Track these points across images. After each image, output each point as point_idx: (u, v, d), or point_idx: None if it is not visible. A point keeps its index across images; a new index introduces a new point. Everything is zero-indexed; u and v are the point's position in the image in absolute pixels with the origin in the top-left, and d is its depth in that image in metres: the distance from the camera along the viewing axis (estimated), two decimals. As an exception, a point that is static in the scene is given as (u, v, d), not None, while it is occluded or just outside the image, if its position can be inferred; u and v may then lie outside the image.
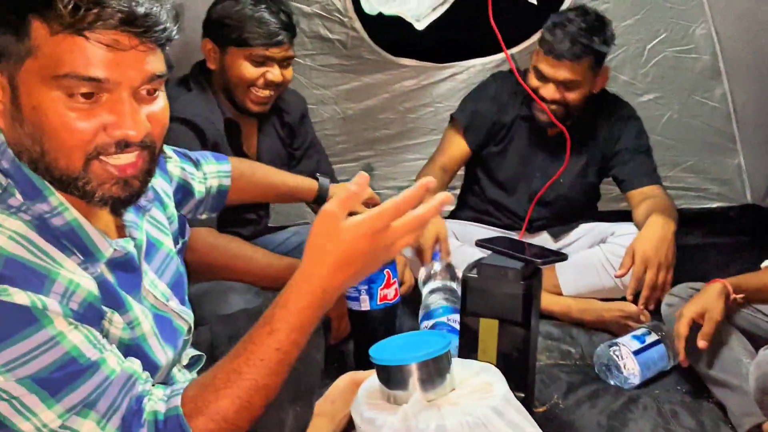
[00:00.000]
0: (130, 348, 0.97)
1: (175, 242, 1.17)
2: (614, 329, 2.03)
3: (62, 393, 0.83)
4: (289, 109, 2.06)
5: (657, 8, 2.52)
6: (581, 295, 2.11)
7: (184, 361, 1.20)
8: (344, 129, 2.74)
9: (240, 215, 1.99)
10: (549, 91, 2.06)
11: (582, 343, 1.99)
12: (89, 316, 0.88)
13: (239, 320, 1.48)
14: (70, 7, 0.81)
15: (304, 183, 1.73)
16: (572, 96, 2.06)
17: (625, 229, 2.12)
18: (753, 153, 2.77)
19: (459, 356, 1.44)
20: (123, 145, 0.87)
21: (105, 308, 0.92)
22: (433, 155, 2.27)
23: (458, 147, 2.24)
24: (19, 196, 0.87)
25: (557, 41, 2.00)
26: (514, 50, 2.47)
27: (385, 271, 1.62)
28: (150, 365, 0.99)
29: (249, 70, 1.80)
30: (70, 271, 0.87)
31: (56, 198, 0.89)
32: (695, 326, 1.60)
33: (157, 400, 0.90)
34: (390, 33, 2.49)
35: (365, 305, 1.64)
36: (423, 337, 1.22)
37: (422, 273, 1.89)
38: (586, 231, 2.27)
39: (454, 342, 1.44)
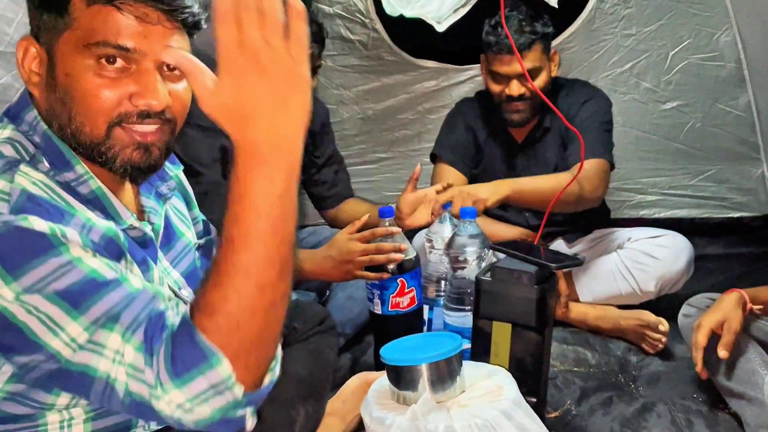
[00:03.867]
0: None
1: (198, 238, 1.21)
2: (631, 337, 2.01)
3: (86, 304, 0.82)
4: (312, 117, 2.07)
5: (681, 14, 2.50)
6: (598, 302, 2.10)
7: None
8: (363, 129, 2.75)
9: None
10: (514, 88, 2.05)
11: (598, 350, 1.98)
12: (110, 249, 0.90)
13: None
14: None
15: None
16: (537, 84, 2.06)
17: (642, 233, 2.10)
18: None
19: (471, 359, 1.43)
20: (144, 115, 0.93)
21: (126, 253, 0.93)
22: None
23: (455, 177, 2.22)
24: (46, 164, 0.92)
25: (503, 37, 2.00)
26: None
27: (398, 280, 1.64)
28: None
29: None
30: (87, 214, 0.90)
31: (82, 167, 0.94)
32: (712, 337, 1.59)
33: (177, 314, 0.87)
34: (411, 35, 2.50)
35: (377, 309, 1.66)
36: (434, 339, 1.22)
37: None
38: (601, 236, 2.25)
39: (466, 344, 1.44)
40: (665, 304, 2.03)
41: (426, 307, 1.72)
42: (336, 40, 2.45)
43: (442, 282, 1.71)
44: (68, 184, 0.93)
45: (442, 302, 1.66)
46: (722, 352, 1.55)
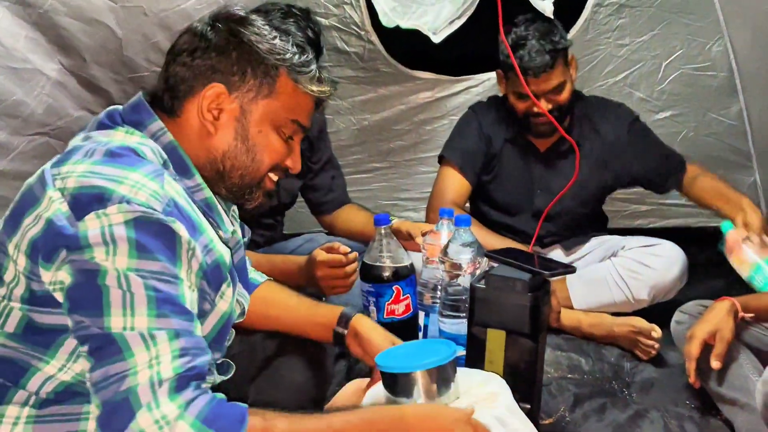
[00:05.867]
0: (228, 319, 1.12)
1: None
2: (625, 344, 2.03)
3: (163, 312, 0.92)
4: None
5: (673, 24, 2.52)
6: (592, 309, 2.11)
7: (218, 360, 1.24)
8: (359, 139, 2.76)
9: (258, 219, 2.04)
10: (543, 105, 2.07)
11: (592, 356, 1.99)
12: (215, 275, 1.05)
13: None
14: (326, 87, 1.16)
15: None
16: (563, 97, 2.09)
17: (636, 242, 2.12)
18: (768, 171, 2.76)
19: (466, 366, 1.45)
20: (283, 172, 1.18)
21: (227, 277, 1.08)
22: (438, 194, 2.24)
23: (460, 183, 2.24)
24: (172, 171, 1.06)
25: (527, 60, 2.02)
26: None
27: (394, 287, 1.65)
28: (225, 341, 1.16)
29: None
30: (211, 235, 1.06)
31: (199, 177, 1.10)
32: (705, 345, 1.60)
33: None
34: (406, 46, 2.51)
35: (373, 316, 1.68)
36: (429, 346, 1.23)
37: None
38: (597, 244, 2.27)
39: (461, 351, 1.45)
40: (658, 310, 2.05)
41: (422, 314, 1.73)
42: (332, 52, 2.47)
43: (438, 289, 1.73)
44: (189, 191, 1.06)
45: (437, 309, 1.68)
46: (715, 363, 1.57)
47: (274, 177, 1.17)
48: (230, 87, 1.09)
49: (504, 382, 1.23)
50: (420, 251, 1.78)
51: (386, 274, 1.66)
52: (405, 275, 1.67)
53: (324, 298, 2.02)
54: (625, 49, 2.60)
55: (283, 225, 2.23)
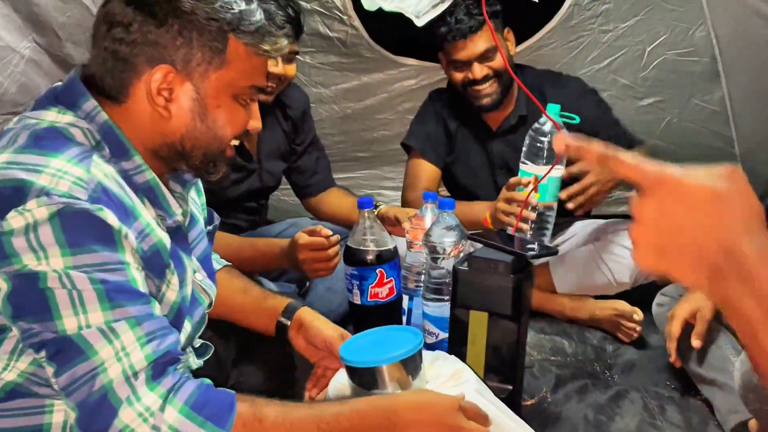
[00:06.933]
0: (178, 310, 1.07)
1: (206, 226, 1.29)
2: (607, 327, 2.04)
3: (117, 302, 0.89)
4: (292, 104, 2.10)
5: (657, 9, 2.52)
6: (574, 292, 2.12)
7: (197, 344, 1.24)
8: (342, 128, 2.75)
9: (241, 203, 2.03)
10: (477, 71, 2.09)
11: (574, 339, 2.01)
12: (154, 262, 0.99)
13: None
14: (280, 43, 1.06)
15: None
16: (497, 64, 2.10)
17: (617, 225, 2.13)
18: (750, 156, 2.77)
19: (448, 348, 1.45)
20: (244, 134, 1.10)
21: (170, 263, 1.02)
22: (410, 184, 2.25)
23: (429, 169, 2.25)
24: (107, 152, 0.99)
25: (454, 24, 2.06)
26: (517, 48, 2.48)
27: (377, 270, 1.65)
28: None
29: None
30: (147, 219, 0.99)
31: (140, 158, 1.02)
32: (686, 325, 1.62)
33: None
34: (390, 32, 2.50)
35: (357, 299, 1.68)
36: (393, 334, 1.21)
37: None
38: (581, 228, 2.27)
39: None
40: (640, 293, 2.06)
41: (406, 298, 1.74)
42: (314, 37, 2.45)
43: (422, 273, 1.73)
44: (126, 174, 0.99)
45: (421, 293, 1.68)
46: (695, 342, 1.58)
47: (235, 142, 1.10)
48: (177, 64, 1.00)
49: (451, 356, 1.24)
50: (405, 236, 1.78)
51: (370, 257, 1.66)
52: (389, 258, 1.68)
53: (308, 282, 2.03)
54: (609, 35, 2.59)
55: (267, 209, 2.22)
